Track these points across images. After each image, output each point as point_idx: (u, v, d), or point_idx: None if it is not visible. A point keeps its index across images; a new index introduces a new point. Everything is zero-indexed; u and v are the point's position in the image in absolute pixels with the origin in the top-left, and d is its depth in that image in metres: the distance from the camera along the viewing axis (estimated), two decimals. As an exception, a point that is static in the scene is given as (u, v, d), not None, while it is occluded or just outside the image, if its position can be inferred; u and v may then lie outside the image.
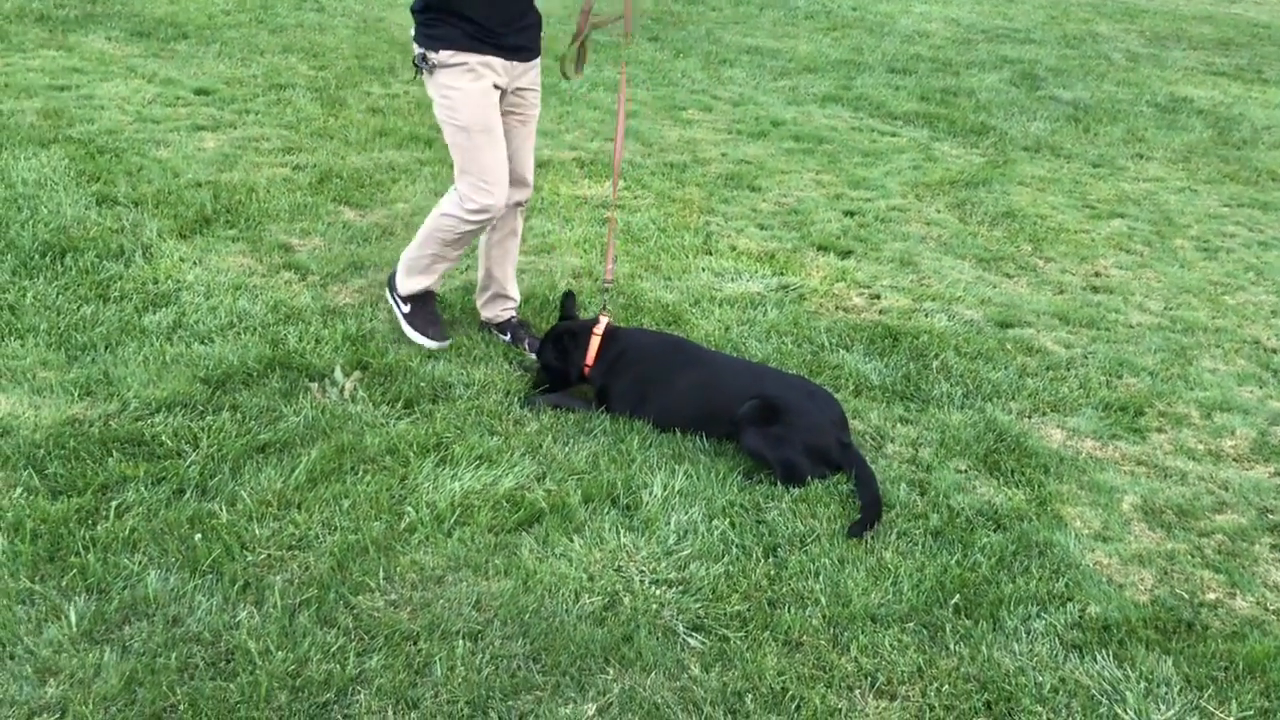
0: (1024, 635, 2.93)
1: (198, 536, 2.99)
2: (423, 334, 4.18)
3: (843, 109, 8.87)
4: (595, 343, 3.90)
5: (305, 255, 4.97)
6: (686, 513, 3.30)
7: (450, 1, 3.79)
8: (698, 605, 2.94)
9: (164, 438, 3.41)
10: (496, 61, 3.90)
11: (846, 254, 5.68)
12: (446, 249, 4.12)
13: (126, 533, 2.97)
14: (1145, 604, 3.12)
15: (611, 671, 2.69)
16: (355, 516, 3.15)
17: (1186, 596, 3.18)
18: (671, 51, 10.40)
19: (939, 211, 6.52)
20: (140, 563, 2.87)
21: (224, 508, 3.13)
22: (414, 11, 3.94)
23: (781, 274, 5.31)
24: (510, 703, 2.57)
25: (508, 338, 4.38)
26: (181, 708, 2.45)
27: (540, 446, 3.60)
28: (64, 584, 2.77)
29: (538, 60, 4.09)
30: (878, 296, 5.19)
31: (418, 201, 5.78)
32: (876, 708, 2.66)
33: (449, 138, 3.97)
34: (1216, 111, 9.75)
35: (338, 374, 3.89)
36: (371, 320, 4.37)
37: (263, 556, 2.96)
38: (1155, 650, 2.92)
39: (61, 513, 3.01)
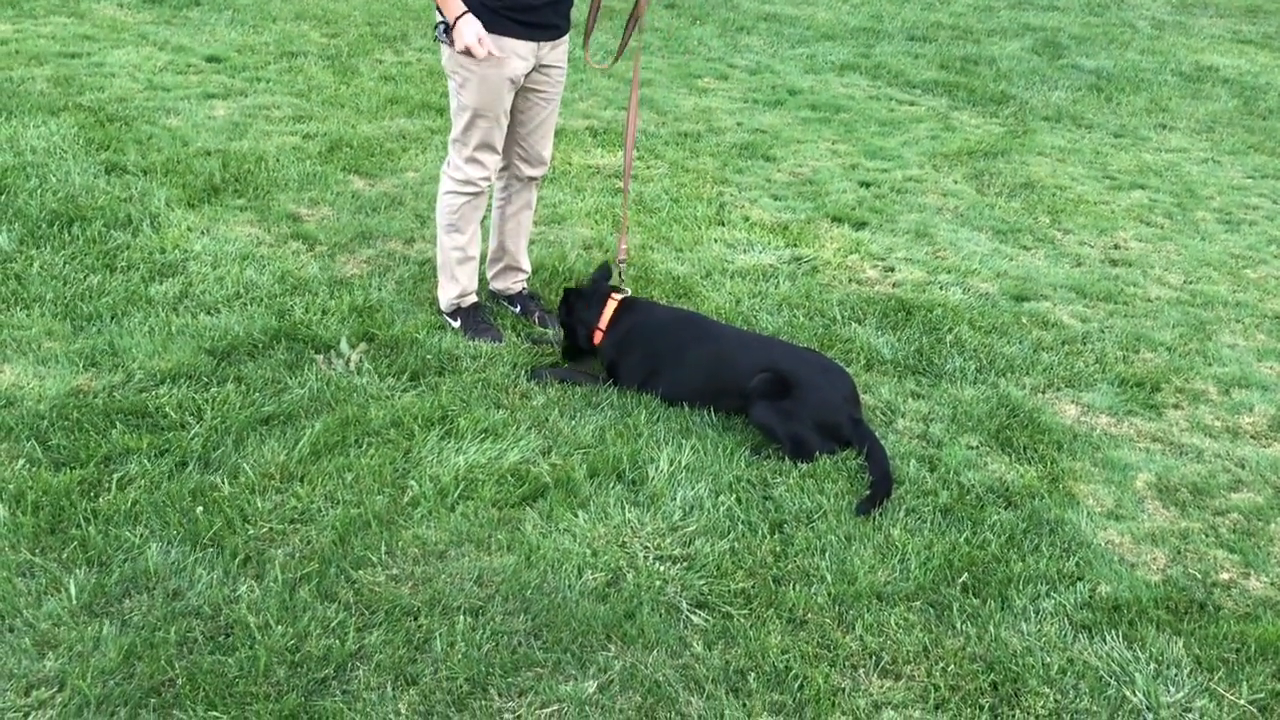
0: (1032, 615, 2.89)
1: (199, 509, 2.97)
2: (480, 339, 4.07)
3: (861, 77, 8.75)
4: (611, 307, 3.85)
5: (314, 225, 4.94)
6: (693, 488, 3.27)
7: None
8: (702, 582, 2.91)
9: (168, 409, 3.40)
10: (522, 45, 3.76)
11: (861, 225, 5.60)
12: (455, 235, 4.02)
13: (128, 505, 2.96)
14: (1157, 584, 3.07)
15: (613, 648, 2.67)
16: (358, 490, 3.13)
17: (1199, 576, 3.13)
18: (688, 18, 10.27)
19: (956, 182, 6.43)
20: (141, 535, 2.86)
21: (226, 480, 3.11)
22: None
23: (795, 246, 5.25)
24: (510, 679, 2.55)
25: (517, 309, 4.34)
26: (180, 682, 2.44)
27: (546, 420, 3.57)
28: (64, 556, 2.76)
29: (566, 37, 3.95)
30: (892, 269, 5.12)
31: (428, 170, 5.73)
32: (881, 687, 2.63)
33: (453, 106, 3.90)
34: (1243, 81, 9.57)
35: (343, 345, 3.86)
36: (380, 291, 4.34)
37: (264, 530, 2.94)
38: (1166, 631, 2.88)
39: (64, 484, 3.00)
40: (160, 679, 2.45)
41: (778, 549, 3.06)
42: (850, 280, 4.94)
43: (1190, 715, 2.64)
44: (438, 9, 3.79)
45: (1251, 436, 3.94)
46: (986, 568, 3.05)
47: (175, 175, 5.28)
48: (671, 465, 3.36)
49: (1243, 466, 3.72)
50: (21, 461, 3.10)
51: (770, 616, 2.80)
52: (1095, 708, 2.62)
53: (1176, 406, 4.10)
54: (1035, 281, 5.10)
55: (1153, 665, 2.75)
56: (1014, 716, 2.59)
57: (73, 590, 2.65)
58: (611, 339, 3.83)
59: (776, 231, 5.40)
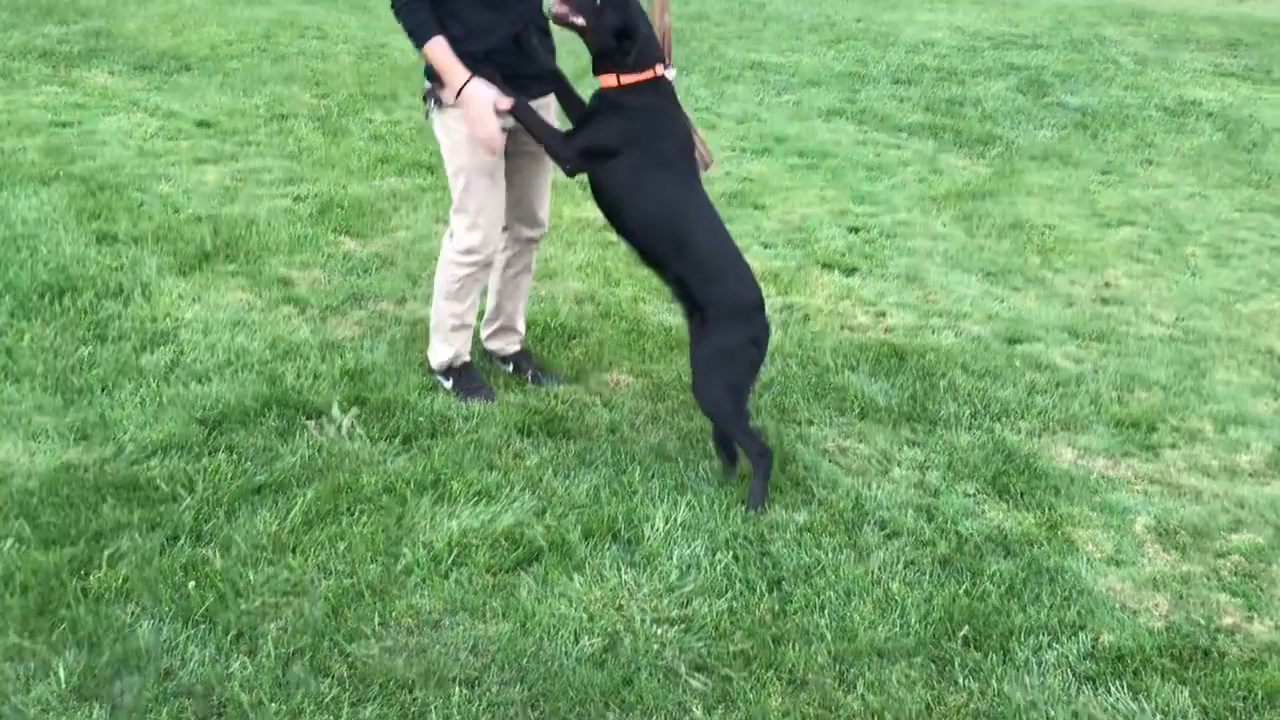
0: (1035, 667, 2.86)
1: (191, 584, 2.94)
2: (474, 399, 4.05)
3: (847, 122, 8.81)
4: (639, 77, 3.80)
5: (305, 288, 4.95)
6: (689, 546, 3.24)
7: (462, 39, 3.66)
8: (700, 644, 2.88)
9: (159, 482, 3.38)
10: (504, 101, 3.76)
11: (851, 271, 5.62)
12: (454, 303, 4.01)
13: (119, 582, 2.93)
14: (1160, 631, 3.04)
15: (611, 716, 2.63)
16: (351, 559, 3.10)
17: (1203, 622, 3.10)
18: (675, 69, 10.35)
19: (945, 225, 6.45)
20: (133, 613, 2.83)
21: (218, 553, 3.08)
22: None
23: (785, 294, 5.25)
24: (507, 752, 2.52)
25: (510, 369, 4.33)
26: (171, 765, 2.41)
27: (540, 480, 3.55)
28: (54, 638, 2.73)
29: (552, 95, 3.93)
30: (883, 314, 5.12)
31: (419, 229, 5.75)
32: (884, 748, 2.59)
33: (449, 173, 3.91)
34: (1226, 114, 9.65)
35: (335, 411, 3.85)
36: (371, 353, 4.33)
37: (257, 604, 2.91)
38: (1171, 680, 2.84)
39: (53, 563, 2.97)
40: (152, 763, 2.42)
41: (776, 607, 3.03)
42: (842, 327, 4.94)
43: (1199, 767, 2.60)
44: (428, 75, 3.81)
45: (1250, 475, 3.92)
46: (987, 620, 3.02)
47: (166, 243, 5.29)
48: (667, 523, 3.34)
49: (1242, 506, 3.70)
50: (10, 541, 3.06)
51: (770, 678, 2.77)
52: (1102, 762, 2.59)
53: (1173, 446, 4.08)
54: (1027, 323, 5.11)
55: (1159, 716, 2.72)
56: (1020, 774, 2.55)
57: (62, 674, 2.61)
58: (619, 93, 3.79)
59: (767, 280, 5.40)
